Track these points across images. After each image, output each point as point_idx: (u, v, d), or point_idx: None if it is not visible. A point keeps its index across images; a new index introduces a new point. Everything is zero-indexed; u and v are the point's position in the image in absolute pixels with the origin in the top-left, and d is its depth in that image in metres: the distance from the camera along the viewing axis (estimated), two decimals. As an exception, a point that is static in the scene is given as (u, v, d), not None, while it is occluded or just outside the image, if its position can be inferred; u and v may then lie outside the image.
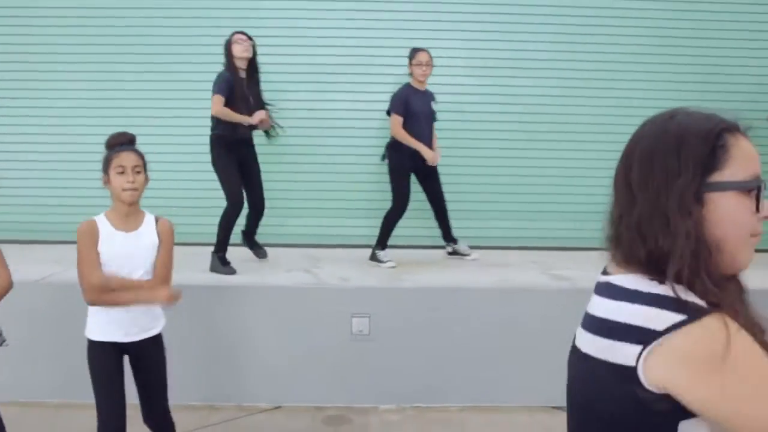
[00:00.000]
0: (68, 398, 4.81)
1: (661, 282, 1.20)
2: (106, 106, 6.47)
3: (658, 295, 1.18)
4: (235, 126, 5.29)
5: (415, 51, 5.72)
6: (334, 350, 4.97)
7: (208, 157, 5.41)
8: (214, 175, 5.40)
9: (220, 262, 5.33)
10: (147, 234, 3.32)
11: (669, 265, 1.19)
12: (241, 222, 5.57)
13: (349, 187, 6.52)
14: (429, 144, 5.69)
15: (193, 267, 5.36)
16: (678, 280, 1.18)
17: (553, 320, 4.79)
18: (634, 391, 1.16)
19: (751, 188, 1.22)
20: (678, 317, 1.14)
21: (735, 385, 1.12)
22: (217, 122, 5.29)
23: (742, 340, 1.13)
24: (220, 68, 5.41)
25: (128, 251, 3.25)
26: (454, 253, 6.05)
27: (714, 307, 1.16)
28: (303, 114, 6.50)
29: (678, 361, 1.13)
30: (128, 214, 3.27)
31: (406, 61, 5.77)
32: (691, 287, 1.18)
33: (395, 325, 4.98)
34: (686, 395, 1.14)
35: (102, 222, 3.22)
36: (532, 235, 6.65)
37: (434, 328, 4.96)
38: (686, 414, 1.16)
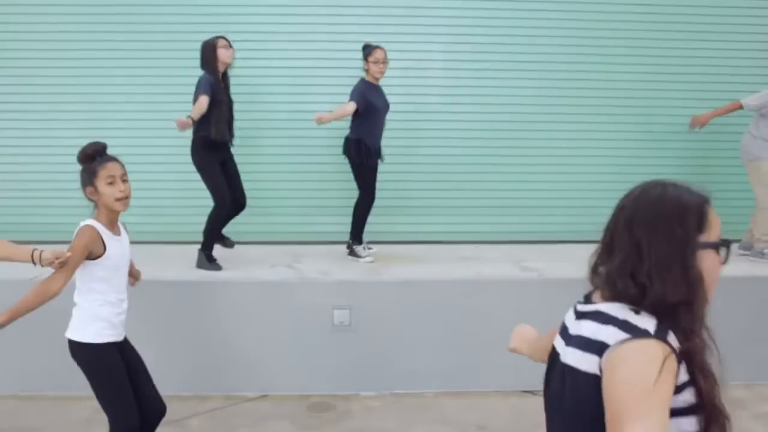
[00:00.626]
0: (64, 391, 5.03)
1: (638, 311, 1.60)
2: (96, 110, 6.64)
3: (636, 326, 1.57)
4: (218, 128, 5.49)
5: (371, 48, 5.88)
6: (316, 341, 5.23)
7: (190, 158, 5.61)
8: (197, 175, 5.61)
9: (207, 259, 5.56)
10: (125, 238, 3.53)
11: (680, 309, 1.59)
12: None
13: (327, 186, 6.75)
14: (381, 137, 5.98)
15: (180, 264, 5.59)
16: (665, 314, 1.59)
17: (522, 309, 5.09)
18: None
19: (721, 246, 1.65)
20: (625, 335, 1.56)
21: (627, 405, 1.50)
22: (199, 124, 5.37)
23: (666, 375, 1.50)
24: (191, 67, 5.61)
25: (123, 253, 3.47)
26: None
27: (690, 332, 1.57)
28: (282, 116, 6.73)
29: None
30: (114, 221, 3.44)
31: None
32: (676, 317, 1.58)
33: (375, 316, 5.25)
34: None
35: (100, 228, 3.34)
36: (503, 230, 6.93)
37: (411, 318, 5.24)
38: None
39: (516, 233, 6.90)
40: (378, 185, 5.99)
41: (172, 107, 6.11)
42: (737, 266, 5.67)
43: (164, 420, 4.27)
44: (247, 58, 6.30)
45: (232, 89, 5.75)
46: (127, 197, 3.36)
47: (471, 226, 6.93)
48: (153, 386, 3.66)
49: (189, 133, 5.42)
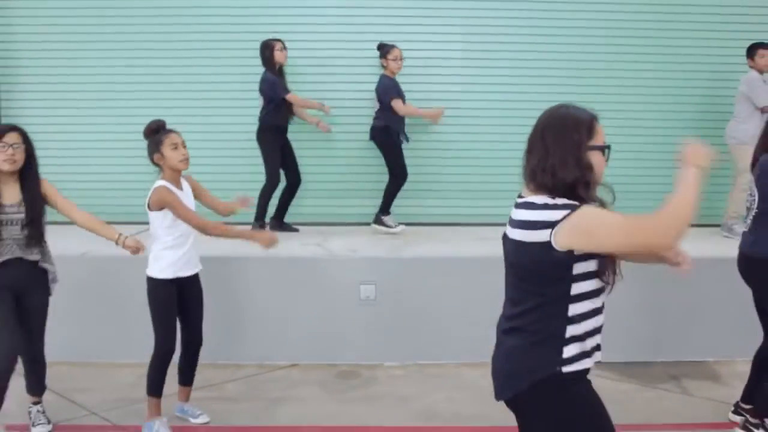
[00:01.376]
0: (111, 359, 5.44)
1: (553, 197, 2.26)
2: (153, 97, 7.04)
3: (556, 203, 2.24)
4: (284, 115, 6.47)
5: (390, 47, 6.50)
6: (344, 314, 5.59)
7: (248, 144, 6.48)
8: (247, 161, 6.41)
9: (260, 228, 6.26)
10: (187, 190, 4.25)
11: (578, 187, 2.27)
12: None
13: (354, 170, 7.13)
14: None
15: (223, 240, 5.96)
16: (570, 195, 2.26)
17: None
18: (551, 252, 2.21)
19: (603, 148, 2.33)
20: (566, 212, 2.20)
21: (601, 231, 2.18)
22: (267, 112, 6.38)
23: (598, 210, 2.25)
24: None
25: (188, 204, 4.17)
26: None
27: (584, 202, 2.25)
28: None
29: (573, 230, 2.19)
30: (178, 179, 4.17)
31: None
32: (578, 196, 2.26)
33: (399, 291, 5.59)
34: (584, 246, 2.21)
35: (168, 185, 4.07)
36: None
37: (433, 293, 5.57)
38: (577, 258, 2.23)
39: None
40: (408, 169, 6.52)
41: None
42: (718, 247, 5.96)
43: (204, 384, 4.74)
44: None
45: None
46: (187, 158, 4.11)
47: (491, 209, 7.21)
48: (200, 322, 4.39)
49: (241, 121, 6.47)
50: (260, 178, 6.52)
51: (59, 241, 4.48)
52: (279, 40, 6.42)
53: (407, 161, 6.58)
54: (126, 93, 7.10)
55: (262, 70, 6.44)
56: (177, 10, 7.11)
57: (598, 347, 2.40)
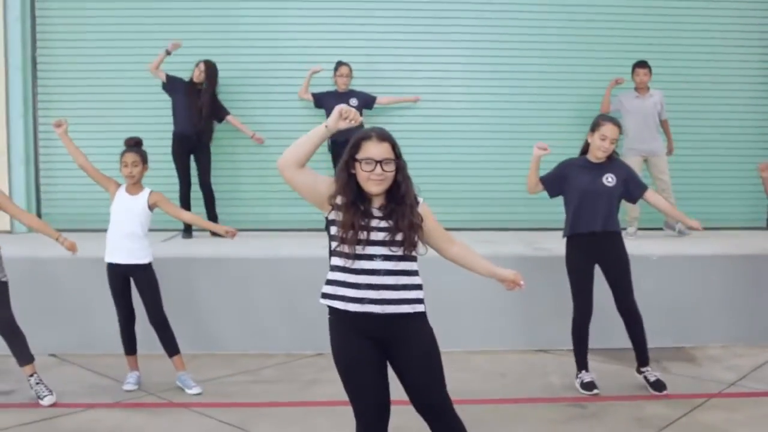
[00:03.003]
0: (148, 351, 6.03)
1: None
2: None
3: None
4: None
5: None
6: (364, 307, 6.26)
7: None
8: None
9: None
10: (141, 198, 5.26)
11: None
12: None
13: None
14: None
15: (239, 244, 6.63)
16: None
17: (536, 281, 6.14)
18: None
19: (364, 160, 3.00)
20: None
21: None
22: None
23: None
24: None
25: (127, 207, 5.25)
26: None
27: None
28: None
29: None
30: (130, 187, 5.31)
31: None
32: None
33: (412, 287, 6.27)
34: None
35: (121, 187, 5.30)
36: (519, 218, 7.97)
37: (442, 288, 6.23)
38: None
39: (527, 222, 7.93)
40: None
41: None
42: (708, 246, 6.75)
43: (240, 370, 5.49)
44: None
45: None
46: (130, 175, 5.21)
47: (488, 216, 7.96)
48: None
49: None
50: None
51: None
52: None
53: (414, 173, 7.18)
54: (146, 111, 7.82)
55: None
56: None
57: (351, 299, 3.06)
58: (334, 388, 3.28)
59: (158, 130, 7.39)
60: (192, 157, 7.47)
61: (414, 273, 3.16)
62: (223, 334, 6.29)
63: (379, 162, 2.99)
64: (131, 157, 5.22)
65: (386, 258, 3.05)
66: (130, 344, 5.33)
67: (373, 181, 3.01)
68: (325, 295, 3.14)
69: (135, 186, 5.27)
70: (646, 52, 7.77)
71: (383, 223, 3.06)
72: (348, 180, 3.06)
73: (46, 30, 7.98)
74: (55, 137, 7.68)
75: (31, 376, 5.03)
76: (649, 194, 5.37)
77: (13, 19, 7.76)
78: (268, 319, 6.30)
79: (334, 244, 3.11)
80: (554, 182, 5.30)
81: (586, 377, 5.28)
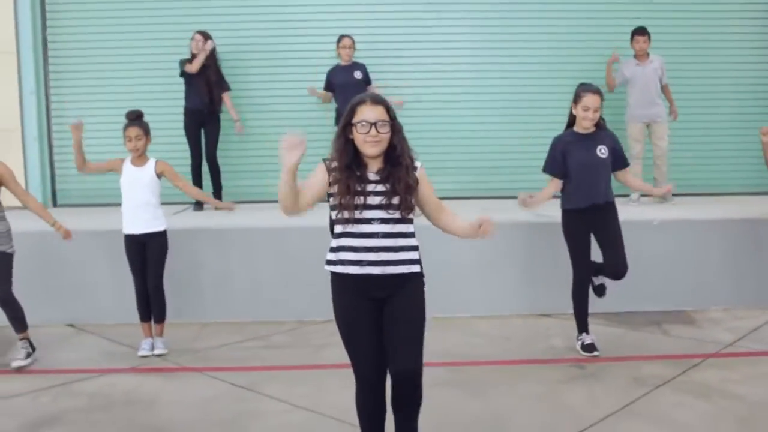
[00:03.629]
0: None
1: None
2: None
3: None
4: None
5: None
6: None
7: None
8: None
9: None
10: (148, 168, 5.49)
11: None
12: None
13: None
14: None
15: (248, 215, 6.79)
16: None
17: (537, 247, 6.31)
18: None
19: (359, 123, 3.14)
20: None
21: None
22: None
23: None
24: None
25: (135, 178, 5.49)
26: None
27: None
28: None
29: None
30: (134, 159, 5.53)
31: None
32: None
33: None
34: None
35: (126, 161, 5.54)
36: (519, 187, 8.07)
37: (448, 257, 6.37)
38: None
39: (527, 189, 8.03)
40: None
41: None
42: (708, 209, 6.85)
43: (252, 336, 5.71)
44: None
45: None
46: (134, 149, 5.45)
47: (490, 184, 8.10)
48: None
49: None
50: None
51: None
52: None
53: (416, 143, 7.27)
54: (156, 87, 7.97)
55: None
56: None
57: (352, 262, 3.21)
58: (343, 351, 3.42)
59: (169, 105, 7.57)
60: (202, 131, 7.62)
61: (411, 235, 3.30)
62: (234, 303, 6.46)
63: (374, 124, 3.11)
64: (134, 131, 5.42)
65: (384, 221, 3.19)
66: (145, 312, 5.52)
67: (369, 143, 3.14)
68: (328, 262, 3.30)
69: (140, 158, 5.49)
70: (648, 18, 7.82)
71: (380, 187, 3.19)
72: (345, 145, 3.19)
73: (56, 9, 8.11)
74: (69, 115, 7.96)
75: (22, 340, 5.28)
76: (622, 173, 5.42)
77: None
78: (278, 288, 6.46)
79: (334, 213, 3.24)
80: (560, 166, 5.28)
81: (587, 339, 5.41)
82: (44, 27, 8.11)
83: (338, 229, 3.23)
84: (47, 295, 6.18)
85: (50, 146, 8.22)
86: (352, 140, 3.18)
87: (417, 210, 3.33)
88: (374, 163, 3.22)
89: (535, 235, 6.49)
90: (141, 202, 5.45)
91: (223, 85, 7.67)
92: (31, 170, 7.96)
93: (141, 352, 5.47)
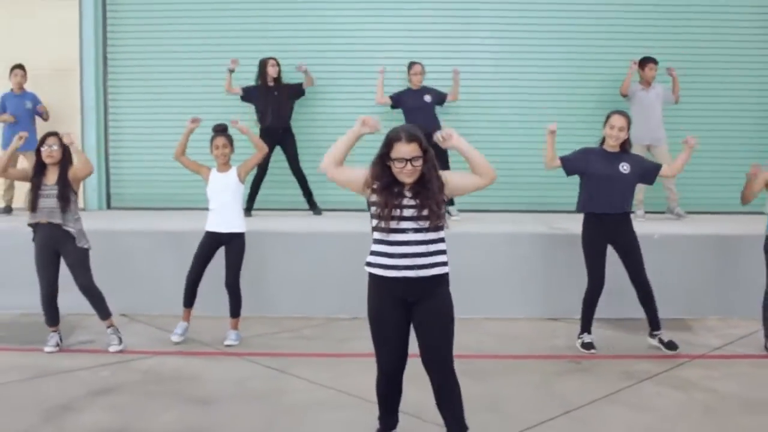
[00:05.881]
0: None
1: None
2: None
3: None
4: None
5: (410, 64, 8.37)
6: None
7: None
8: None
9: None
10: (231, 174, 6.15)
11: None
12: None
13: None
14: None
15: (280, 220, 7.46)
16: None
17: (552, 257, 6.91)
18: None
19: (396, 159, 3.67)
20: None
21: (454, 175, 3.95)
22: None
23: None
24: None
25: (223, 183, 6.14)
26: None
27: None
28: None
29: None
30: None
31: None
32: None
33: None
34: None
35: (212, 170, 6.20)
36: (537, 201, 8.69)
37: (465, 262, 6.94)
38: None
39: (545, 204, 8.65)
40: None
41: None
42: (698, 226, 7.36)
43: (284, 329, 6.49)
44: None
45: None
46: (221, 155, 6.12)
47: (511, 198, 8.69)
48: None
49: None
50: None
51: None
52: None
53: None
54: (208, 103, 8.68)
55: None
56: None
57: (388, 266, 3.75)
58: (364, 344, 4.04)
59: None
60: (280, 148, 8.32)
61: (440, 241, 3.85)
62: (271, 299, 7.13)
63: (409, 160, 3.70)
64: (221, 140, 6.09)
65: (416, 231, 3.76)
66: (191, 298, 6.17)
67: (405, 174, 3.72)
68: (368, 264, 3.86)
69: (225, 165, 6.15)
70: (656, 39, 8.60)
71: (412, 202, 3.77)
72: (382, 170, 3.77)
73: (116, 30, 8.96)
74: (124, 126, 8.79)
75: (109, 327, 5.96)
76: (664, 169, 6.02)
77: (88, 19, 8.73)
78: (310, 287, 7.13)
79: (374, 222, 3.84)
80: (575, 162, 5.96)
81: (587, 338, 5.99)
82: (105, 45, 8.93)
83: (377, 236, 3.81)
84: (103, 288, 6.89)
85: (107, 154, 9.01)
86: (389, 166, 3.74)
87: (450, 218, 3.95)
88: (408, 183, 3.80)
89: (550, 245, 7.09)
90: (226, 205, 6.10)
91: (297, 94, 8.43)
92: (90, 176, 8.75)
93: (174, 337, 6.14)
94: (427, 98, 8.26)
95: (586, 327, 6.05)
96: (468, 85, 8.79)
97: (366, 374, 4.18)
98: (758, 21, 8.77)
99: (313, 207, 8.41)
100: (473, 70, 8.86)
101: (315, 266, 7.16)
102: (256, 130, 7.74)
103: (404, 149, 3.68)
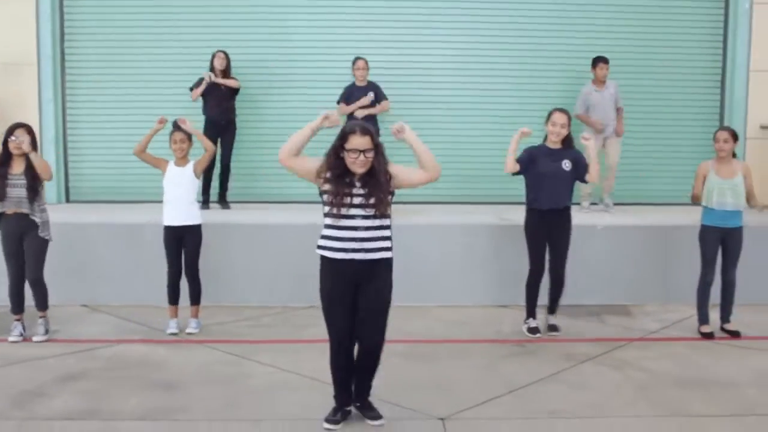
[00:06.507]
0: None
1: None
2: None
3: None
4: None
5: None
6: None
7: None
8: None
9: None
10: (188, 169, 6.29)
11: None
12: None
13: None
14: None
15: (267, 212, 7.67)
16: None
17: (499, 244, 7.28)
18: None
19: (350, 150, 4.08)
20: None
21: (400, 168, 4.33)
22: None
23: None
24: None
25: (179, 176, 6.28)
26: None
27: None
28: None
29: None
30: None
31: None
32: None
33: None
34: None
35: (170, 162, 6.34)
36: (488, 194, 9.02)
37: (417, 252, 7.29)
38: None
39: (495, 197, 8.98)
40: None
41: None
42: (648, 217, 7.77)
43: (243, 318, 6.71)
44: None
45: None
46: (179, 149, 6.27)
47: (464, 191, 9.02)
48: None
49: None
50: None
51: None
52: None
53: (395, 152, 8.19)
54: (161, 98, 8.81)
55: None
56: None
57: (338, 249, 4.16)
58: (321, 330, 4.42)
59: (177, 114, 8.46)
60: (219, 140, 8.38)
61: (386, 228, 4.26)
62: (230, 289, 7.34)
63: (362, 151, 4.06)
64: (180, 135, 6.27)
65: (364, 217, 4.15)
66: (175, 296, 6.36)
67: (357, 165, 4.09)
68: (319, 247, 4.27)
69: (182, 159, 6.33)
70: (607, 46, 8.88)
71: (361, 191, 4.15)
72: (336, 160, 4.14)
73: (73, 24, 9.03)
74: (82, 120, 8.88)
75: (42, 318, 6.14)
76: (588, 176, 6.31)
77: (45, 15, 8.79)
78: (268, 277, 7.36)
79: (326, 209, 4.20)
80: (527, 164, 6.23)
81: (532, 323, 6.35)
82: (62, 41, 9.00)
83: (328, 221, 4.19)
84: (63, 279, 7.03)
85: (65, 148, 9.10)
86: (342, 157, 4.10)
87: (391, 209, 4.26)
88: (358, 173, 4.14)
89: (500, 235, 7.41)
90: (181, 198, 6.28)
91: (233, 94, 8.48)
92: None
93: (170, 330, 6.30)
94: (371, 95, 8.37)
95: (531, 312, 6.40)
96: (423, 80, 9.10)
97: (322, 359, 4.49)
98: (705, 21, 9.22)
99: (223, 201, 8.51)
100: (428, 66, 9.13)
101: (272, 257, 7.39)
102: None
103: (358, 141, 4.06)
